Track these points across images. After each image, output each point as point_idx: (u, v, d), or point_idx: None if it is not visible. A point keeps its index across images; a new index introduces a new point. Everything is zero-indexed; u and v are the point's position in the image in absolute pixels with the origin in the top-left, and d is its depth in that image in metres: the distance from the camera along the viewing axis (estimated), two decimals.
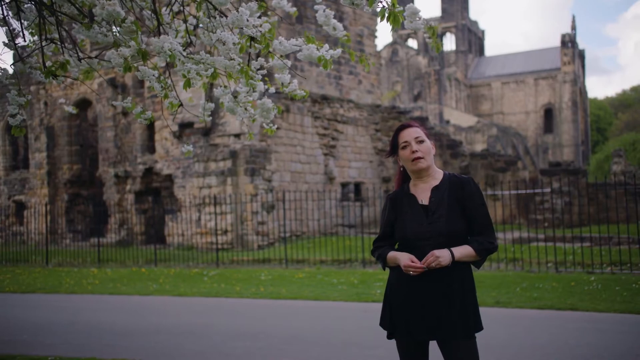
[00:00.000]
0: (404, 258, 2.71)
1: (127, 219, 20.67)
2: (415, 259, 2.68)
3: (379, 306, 9.13)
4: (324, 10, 3.08)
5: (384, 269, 2.92)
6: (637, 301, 7.48)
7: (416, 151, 2.76)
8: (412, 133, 2.80)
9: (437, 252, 2.66)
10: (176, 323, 7.26)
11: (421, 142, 2.79)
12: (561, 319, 6.79)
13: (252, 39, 3.22)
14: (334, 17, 3.10)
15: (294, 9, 3.53)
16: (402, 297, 2.77)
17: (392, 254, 2.80)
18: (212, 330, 6.71)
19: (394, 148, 2.87)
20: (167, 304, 8.98)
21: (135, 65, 3.18)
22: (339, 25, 3.12)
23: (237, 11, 2.91)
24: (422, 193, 2.81)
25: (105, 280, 12.05)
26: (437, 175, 2.84)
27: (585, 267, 10.66)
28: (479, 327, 2.76)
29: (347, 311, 7.90)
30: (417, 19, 2.79)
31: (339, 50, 3.19)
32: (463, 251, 2.71)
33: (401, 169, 2.93)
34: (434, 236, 2.71)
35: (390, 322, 2.82)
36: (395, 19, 2.74)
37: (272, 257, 14.73)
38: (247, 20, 2.92)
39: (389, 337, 2.85)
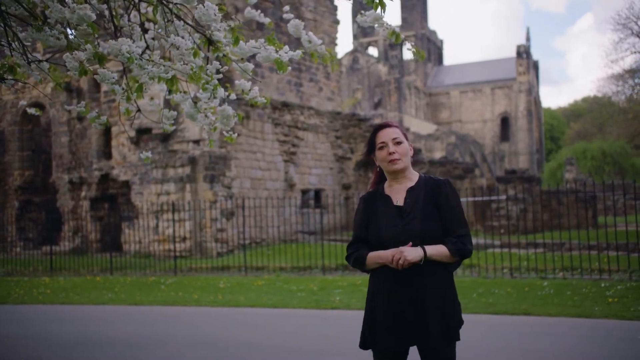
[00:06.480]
0: (388, 253, 2.61)
1: (82, 226, 20.12)
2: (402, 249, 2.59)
3: (338, 313, 9.04)
4: (294, 20, 3.04)
5: (366, 272, 2.80)
6: (587, 305, 7.71)
7: (394, 152, 2.72)
8: (390, 133, 2.76)
9: (403, 248, 2.59)
10: (131, 333, 7.09)
11: (399, 143, 2.74)
12: (515, 324, 6.94)
13: (210, 42, 3.16)
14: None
15: (268, 19, 3.48)
16: (382, 304, 2.68)
17: (373, 254, 2.70)
18: (169, 339, 6.58)
19: (371, 148, 2.81)
20: (123, 314, 8.77)
21: (91, 69, 3.08)
22: (315, 39, 3.05)
23: (197, 11, 2.84)
24: (397, 194, 2.76)
25: (57, 289, 11.68)
26: (413, 176, 2.80)
27: (539, 273, 10.94)
28: (458, 332, 2.67)
29: (306, 319, 7.87)
30: (382, 24, 2.81)
31: (298, 52, 3.14)
32: (436, 249, 2.63)
33: (378, 169, 2.87)
34: (408, 238, 2.64)
35: (369, 331, 2.70)
36: (381, 3, 2.76)
37: (232, 265, 14.58)
38: (215, 14, 2.85)
39: (364, 347, 2.72)
